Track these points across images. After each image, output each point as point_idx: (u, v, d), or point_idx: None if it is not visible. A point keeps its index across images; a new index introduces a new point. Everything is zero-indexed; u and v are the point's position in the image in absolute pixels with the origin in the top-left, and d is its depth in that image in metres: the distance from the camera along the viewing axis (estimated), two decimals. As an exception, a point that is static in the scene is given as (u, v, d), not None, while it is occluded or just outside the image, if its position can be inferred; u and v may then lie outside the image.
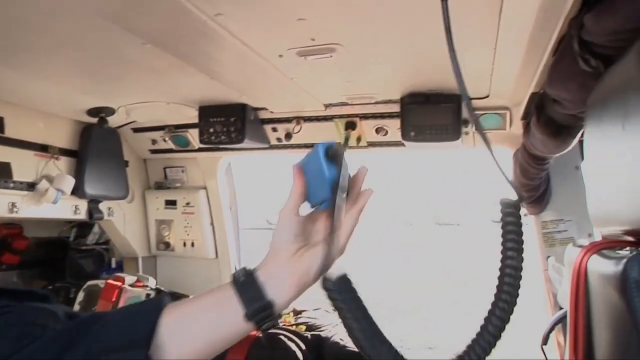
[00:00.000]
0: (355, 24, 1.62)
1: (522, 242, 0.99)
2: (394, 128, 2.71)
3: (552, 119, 1.76)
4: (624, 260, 0.85)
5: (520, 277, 0.98)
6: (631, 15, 0.90)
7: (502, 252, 1.00)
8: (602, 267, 0.96)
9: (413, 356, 2.64)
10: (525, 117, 2.32)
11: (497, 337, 0.97)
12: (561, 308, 1.56)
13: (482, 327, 0.98)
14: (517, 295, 0.97)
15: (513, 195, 1.03)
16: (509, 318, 0.96)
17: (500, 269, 0.99)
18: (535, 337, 1.80)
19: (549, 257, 2.58)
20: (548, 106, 1.75)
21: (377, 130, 2.77)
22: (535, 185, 2.46)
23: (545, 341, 1.75)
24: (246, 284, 1.02)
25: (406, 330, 10.45)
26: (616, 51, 1.02)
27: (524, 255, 0.99)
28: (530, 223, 2.69)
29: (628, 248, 0.98)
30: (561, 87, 1.47)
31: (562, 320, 1.60)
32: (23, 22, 1.68)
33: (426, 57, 1.92)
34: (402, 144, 2.65)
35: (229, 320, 1.01)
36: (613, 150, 0.99)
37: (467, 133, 2.60)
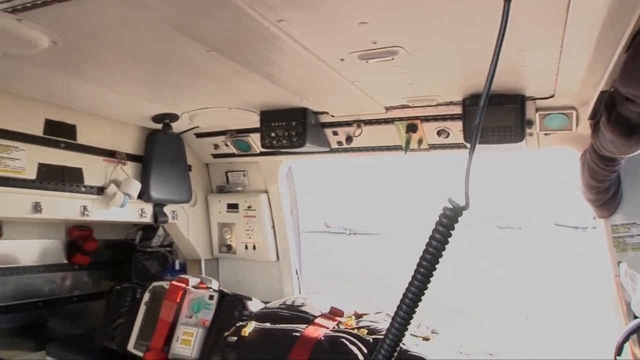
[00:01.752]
0: (417, 26, 1.61)
1: (440, 252, 0.94)
2: (455, 130, 2.67)
3: (625, 118, 1.69)
4: None
5: (423, 290, 0.94)
6: None
7: (419, 258, 0.97)
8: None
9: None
10: (594, 116, 2.24)
11: (396, 343, 0.94)
12: (636, 317, 1.50)
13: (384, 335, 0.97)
14: (416, 306, 0.95)
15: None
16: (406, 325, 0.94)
17: (412, 277, 0.96)
18: (607, 347, 1.72)
19: (620, 262, 2.47)
20: (620, 105, 1.68)
21: (439, 133, 2.73)
22: (605, 188, 2.37)
23: (619, 352, 1.67)
24: None
25: (465, 333, 10.26)
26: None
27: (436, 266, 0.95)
28: (599, 227, 2.59)
29: None
30: (635, 84, 1.41)
31: (637, 330, 1.53)
32: (94, 37, 1.76)
33: (488, 58, 1.88)
34: (464, 147, 2.61)
35: None
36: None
37: (531, 134, 2.54)
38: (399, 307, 0.91)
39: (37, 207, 2.63)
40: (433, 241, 0.89)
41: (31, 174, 2.62)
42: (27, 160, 2.60)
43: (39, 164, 2.66)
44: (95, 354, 3.20)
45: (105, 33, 1.72)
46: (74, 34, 1.74)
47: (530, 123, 2.45)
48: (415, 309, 0.91)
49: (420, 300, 0.91)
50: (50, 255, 3.45)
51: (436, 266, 0.91)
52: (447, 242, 0.91)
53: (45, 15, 1.54)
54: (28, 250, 3.33)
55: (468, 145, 2.46)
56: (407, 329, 0.92)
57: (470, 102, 2.41)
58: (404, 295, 0.91)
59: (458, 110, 2.52)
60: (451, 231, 0.92)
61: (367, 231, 56.34)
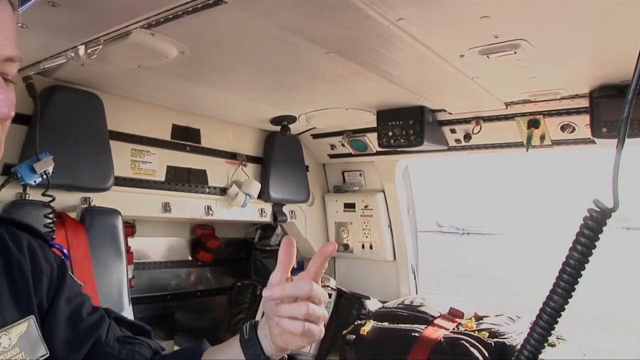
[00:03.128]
0: (543, 17, 1.53)
1: (586, 257, 0.84)
2: (581, 125, 2.51)
3: None
4: None
5: (567, 299, 0.85)
6: None
7: (562, 264, 0.87)
8: None
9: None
10: None
11: (535, 355, 0.85)
12: None
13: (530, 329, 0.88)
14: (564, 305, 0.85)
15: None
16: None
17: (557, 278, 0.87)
18: None
19: None
20: None
21: (563, 128, 2.58)
22: None
23: None
24: (249, 342, 1.11)
25: (589, 342, 9.69)
26: None
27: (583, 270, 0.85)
28: None
29: None
30: None
31: None
32: (217, 46, 1.85)
33: (620, 45, 1.74)
34: (592, 142, 2.45)
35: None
36: None
37: (671, 127, 2.33)
38: (538, 317, 0.86)
39: (166, 207, 2.79)
40: (578, 245, 0.83)
41: (161, 176, 2.79)
42: (157, 163, 2.77)
43: (168, 166, 2.83)
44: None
45: (228, 40, 1.79)
46: (199, 44, 1.84)
47: (671, 115, 2.25)
48: (558, 319, 0.86)
49: (563, 309, 0.85)
50: (177, 252, 3.66)
51: (581, 273, 0.85)
52: (593, 247, 0.84)
53: (175, 28, 1.64)
54: (157, 247, 3.55)
55: (597, 140, 2.32)
56: (547, 341, 0.87)
57: (598, 94, 2.25)
58: (545, 304, 0.86)
59: (584, 103, 2.36)
60: (599, 235, 0.85)
61: (480, 231, 54.72)
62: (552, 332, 0.87)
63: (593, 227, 0.82)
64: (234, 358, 1.10)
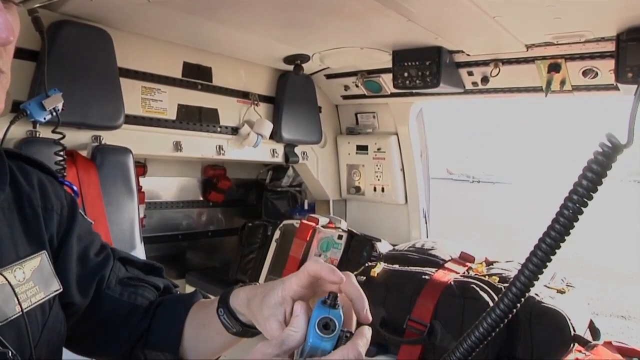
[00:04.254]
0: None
1: (590, 192, 0.78)
2: (605, 70, 2.43)
3: None
4: None
5: (564, 236, 0.80)
6: None
7: (565, 199, 0.82)
8: None
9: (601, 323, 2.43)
10: None
11: (523, 292, 0.82)
12: None
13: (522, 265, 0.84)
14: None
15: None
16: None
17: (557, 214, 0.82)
18: None
19: None
20: None
21: (585, 73, 2.50)
22: None
23: None
24: (224, 313, 1.04)
25: (597, 294, 9.76)
26: None
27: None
28: None
29: None
30: None
31: None
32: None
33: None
34: (615, 88, 2.38)
35: (222, 336, 1.07)
36: None
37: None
38: (532, 253, 0.82)
39: (177, 146, 2.77)
40: (583, 180, 0.78)
41: (172, 115, 2.76)
42: (168, 101, 2.73)
43: (179, 105, 2.79)
44: (229, 285, 3.38)
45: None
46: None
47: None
48: (552, 256, 0.82)
49: (559, 246, 0.81)
50: (188, 192, 3.68)
51: (583, 209, 0.79)
52: (599, 183, 0.78)
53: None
54: (168, 187, 3.57)
55: (621, 86, 2.25)
56: (537, 279, 0.83)
57: (626, 37, 2.15)
58: (541, 240, 0.81)
59: (610, 47, 2.26)
60: (607, 171, 0.79)
61: (491, 179, 54.56)
62: (545, 268, 0.83)
63: (603, 161, 0.77)
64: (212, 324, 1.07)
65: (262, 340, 0.82)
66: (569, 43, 2.36)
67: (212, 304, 1.08)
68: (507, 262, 2.70)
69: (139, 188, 2.72)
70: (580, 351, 2.27)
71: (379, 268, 2.59)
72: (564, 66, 2.50)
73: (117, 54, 2.37)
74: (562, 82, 2.56)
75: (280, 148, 3.34)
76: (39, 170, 1.09)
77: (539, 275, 0.83)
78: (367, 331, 0.80)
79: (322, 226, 3.23)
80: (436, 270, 2.51)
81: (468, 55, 2.66)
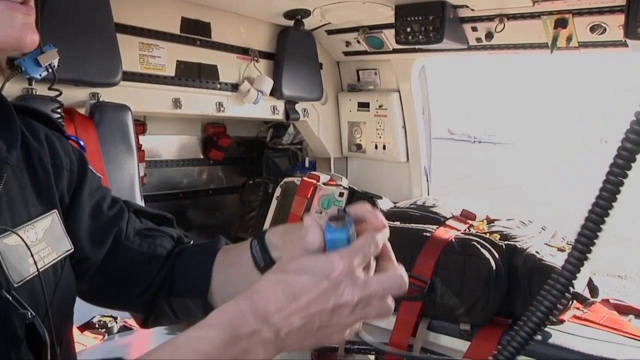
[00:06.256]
0: None
1: (629, 163, 0.75)
2: (614, 25, 2.36)
3: None
4: None
5: (608, 210, 0.77)
6: None
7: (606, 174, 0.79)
8: None
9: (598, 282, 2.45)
10: None
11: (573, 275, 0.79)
12: None
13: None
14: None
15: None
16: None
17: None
18: None
19: None
20: None
21: (592, 29, 2.44)
22: None
23: None
24: (257, 245, 1.06)
25: (596, 254, 9.80)
26: None
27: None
28: None
29: None
30: None
31: None
32: None
33: None
34: (624, 44, 2.33)
35: (250, 275, 1.05)
36: None
37: None
38: (580, 234, 0.79)
39: (177, 103, 2.74)
40: (623, 152, 0.75)
41: (170, 71, 2.71)
42: (166, 57, 2.68)
43: (177, 61, 2.74)
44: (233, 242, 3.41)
45: None
46: None
47: None
48: (599, 234, 0.79)
49: (604, 222, 0.79)
50: (188, 150, 3.65)
51: (624, 181, 0.77)
52: (638, 152, 0.76)
53: None
54: (168, 145, 3.54)
55: (630, 42, 2.19)
56: (587, 259, 0.80)
57: (638, -10, 2.11)
58: (587, 218, 0.78)
59: (620, 1, 2.20)
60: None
61: (492, 140, 54.40)
62: (593, 247, 0.81)
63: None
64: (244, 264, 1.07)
65: None
66: None
67: (244, 243, 1.09)
68: (508, 220, 2.70)
69: (139, 146, 2.70)
70: (578, 308, 2.30)
71: (379, 226, 2.59)
72: (571, 21, 2.45)
73: (114, 9, 2.30)
74: (569, 38, 2.51)
75: (280, 105, 3.31)
76: (45, 125, 1.06)
77: (588, 256, 0.81)
78: (386, 229, 0.79)
79: (323, 184, 3.23)
80: (437, 228, 2.51)
81: (472, 10, 2.61)
